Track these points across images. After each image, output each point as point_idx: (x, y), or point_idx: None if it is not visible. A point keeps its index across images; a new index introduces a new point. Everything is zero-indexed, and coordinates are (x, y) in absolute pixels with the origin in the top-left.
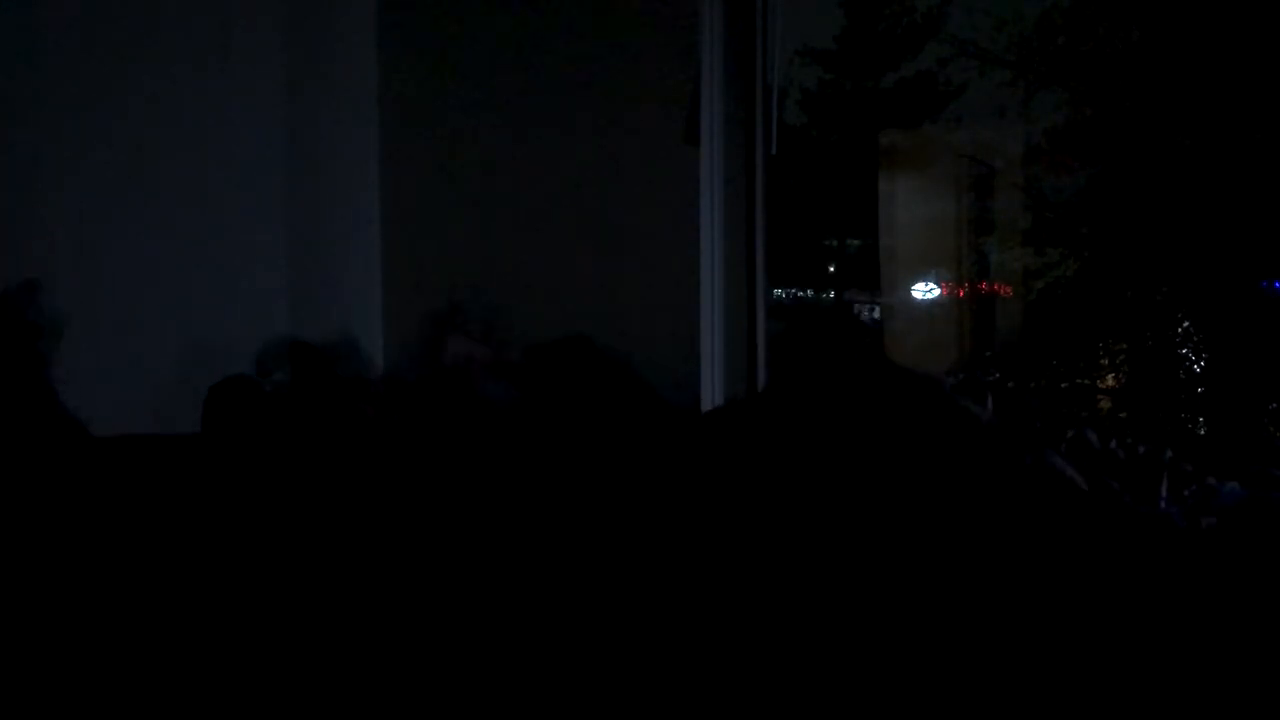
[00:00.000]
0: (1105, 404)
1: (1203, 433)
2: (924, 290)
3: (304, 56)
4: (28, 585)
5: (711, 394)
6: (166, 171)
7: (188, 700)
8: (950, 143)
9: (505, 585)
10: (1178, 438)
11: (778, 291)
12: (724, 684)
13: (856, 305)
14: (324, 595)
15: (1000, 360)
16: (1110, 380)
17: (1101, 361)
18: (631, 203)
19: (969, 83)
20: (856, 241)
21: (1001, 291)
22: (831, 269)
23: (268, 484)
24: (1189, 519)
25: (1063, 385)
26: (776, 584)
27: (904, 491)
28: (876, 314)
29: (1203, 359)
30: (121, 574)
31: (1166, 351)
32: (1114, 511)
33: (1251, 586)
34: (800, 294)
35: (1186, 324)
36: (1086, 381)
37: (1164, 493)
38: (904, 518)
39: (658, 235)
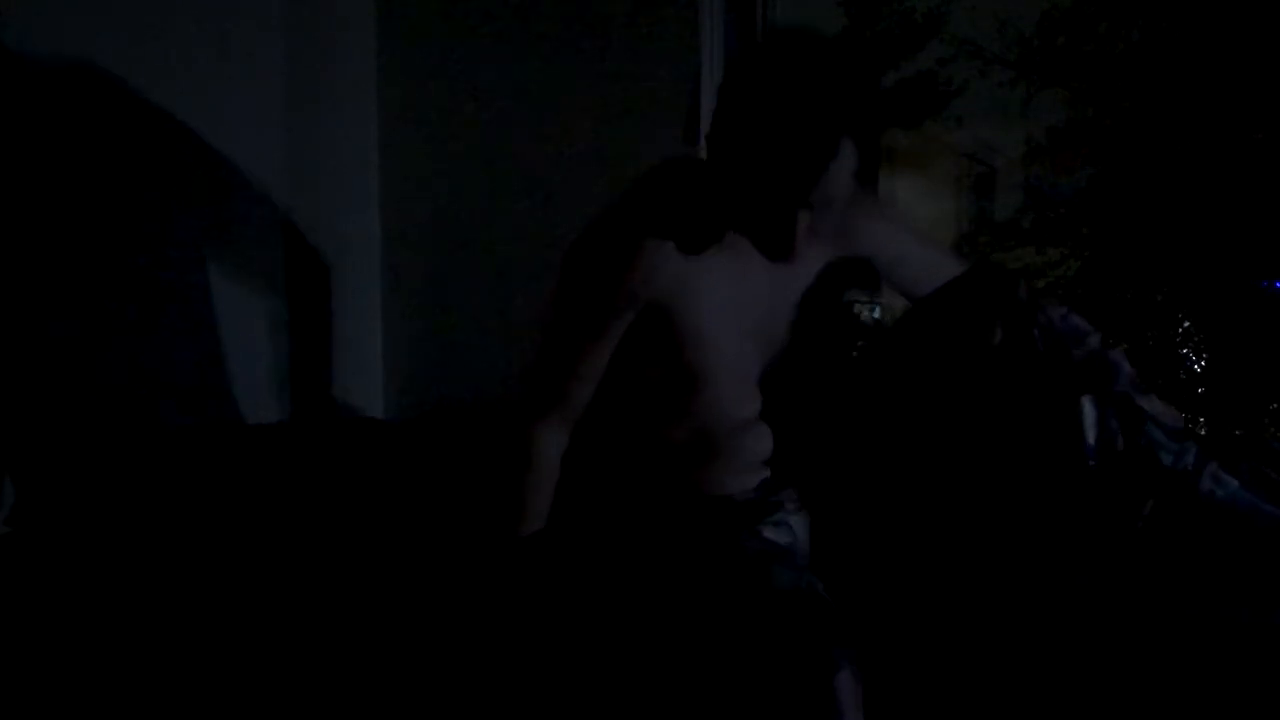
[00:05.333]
0: None
1: (1203, 433)
2: None
3: (304, 57)
4: None
5: None
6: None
7: None
8: (951, 142)
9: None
10: None
11: None
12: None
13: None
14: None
15: None
16: None
17: None
18: None
19: (969, 83)
20: None
21: None
22: None
23: None
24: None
25: None
26: None
27: None
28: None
29: (1203, 359)
30: None
31: (1167, 351)
32: None
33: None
34: None
35: (1187, 324)
36: None
37: None
38: None
39: None
